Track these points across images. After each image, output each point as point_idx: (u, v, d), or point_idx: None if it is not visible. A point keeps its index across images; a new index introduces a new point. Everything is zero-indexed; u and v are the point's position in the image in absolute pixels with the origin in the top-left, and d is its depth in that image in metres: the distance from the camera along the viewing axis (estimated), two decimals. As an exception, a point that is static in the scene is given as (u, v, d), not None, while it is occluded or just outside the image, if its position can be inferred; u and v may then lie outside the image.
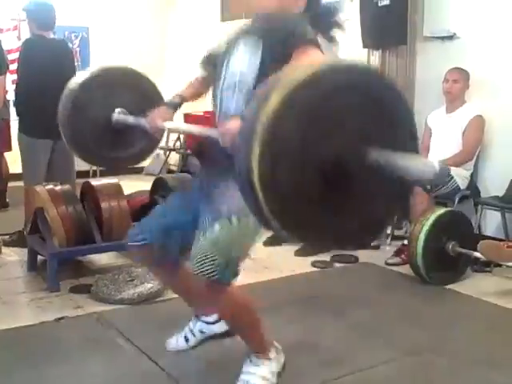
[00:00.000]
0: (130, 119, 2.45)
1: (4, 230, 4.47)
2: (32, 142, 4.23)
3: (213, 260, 2.01)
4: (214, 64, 2.28)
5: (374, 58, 5.05)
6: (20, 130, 4.34)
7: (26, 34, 7.04)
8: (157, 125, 2.28)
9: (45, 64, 4.19)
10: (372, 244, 4.48)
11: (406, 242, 4.08)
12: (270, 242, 4.56)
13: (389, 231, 4.52)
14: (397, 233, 4.58)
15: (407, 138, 1.57)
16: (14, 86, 4.35)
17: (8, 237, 4.45)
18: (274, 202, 1.45)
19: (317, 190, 1.47)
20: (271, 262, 4.15)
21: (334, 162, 1.45)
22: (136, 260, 2.43)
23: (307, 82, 1.41)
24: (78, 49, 7.27)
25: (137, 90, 2.63)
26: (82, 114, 2.56)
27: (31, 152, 4.25)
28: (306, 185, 1.46)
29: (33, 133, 4.22)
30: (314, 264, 4.15)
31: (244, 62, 2.08)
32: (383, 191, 1.56)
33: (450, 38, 4.78)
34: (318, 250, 4.37)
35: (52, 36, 4.43)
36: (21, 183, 4.47)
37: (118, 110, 2.52)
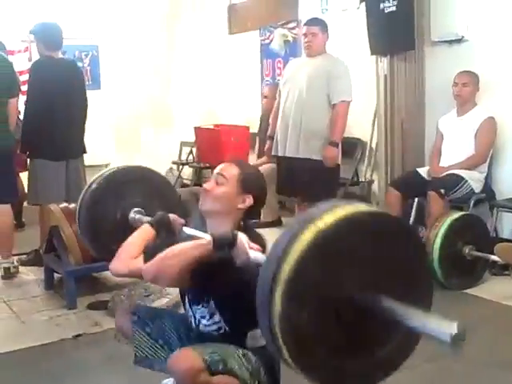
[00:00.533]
0: (145, 219, 2.46)
1: (21, 249, 4.49)
2: (46, 164, 4.26)
3: (205, 348, 1.92)
4: None
5: (383, 65, 5.05)
6: (32, 156, 4.35)
7: (36, 55, 7.15)
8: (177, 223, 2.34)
9: (53, 85, 4.22)
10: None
11: (422, 247, 4.05)
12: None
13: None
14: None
15: (424, 293, 1.59)
16: (24, 108, 4.36)
17: (25, 256, 4.49)
18: (291, 341, 1.45)
19: (333, 332, 1.48)
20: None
21: (349, 307, 1.46)
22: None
23: (336, 227, 1.43)
24: (88, 67, 7.33)
25: (151, 188, 2.69)
26: (100, 210, 2.62)
27: (46, 173, 4.27)
28: (322, 327, 1.47)
29: (45, 155, 4.25)
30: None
31: None
32: (396, 334, 1.56)
33: (458, 41, 4.77)
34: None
35: (61, 56, 4.48)
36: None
37: (135, 209, 2.57)
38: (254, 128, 6.30)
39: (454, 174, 4.21)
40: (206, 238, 1.92)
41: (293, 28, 6.45)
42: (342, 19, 5.87)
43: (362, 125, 5.46)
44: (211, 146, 6.46)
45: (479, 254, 3.73)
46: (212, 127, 6.80)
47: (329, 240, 1.42)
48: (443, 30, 4.85)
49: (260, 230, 4.82)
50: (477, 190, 4.27)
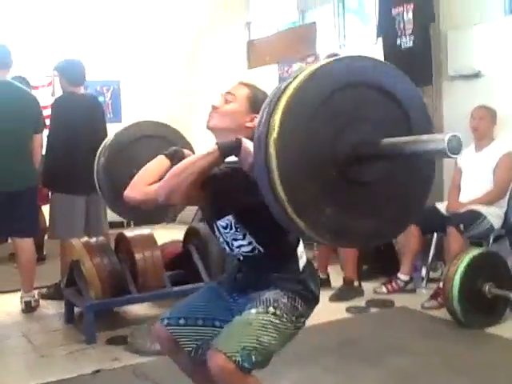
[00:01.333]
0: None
1: (42, 282, 4.54)
2: (67, 198, 4.33)
3: (239, 341, 1.91)
4: None
5: (401, 100, 5.07)
6: (53, 189, 4.44)
7: (59, 91, 7.30)
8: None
9: (75, 120, 4.31)
10: (407, 288, 4.45)
11: (441, 284, 4.01)
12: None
13: (424, 274, 4.47)
14: (432, 275, 4.51)
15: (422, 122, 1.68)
16: (46, 143, 4.46)
17: (45, 290, 4.53)
18: (295, 197, 1.54)
19: (336, 188, 1.59)
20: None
21: (350, 152, 1.58)
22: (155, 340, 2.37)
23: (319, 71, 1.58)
24: (109, 101, 7.47)
25: (166, 141, 2.70)
26: (118, 166, 2.64)
27: (67, 208, 4.33)
28: (324, 174, 1.57)
29: (67, 189, 4.32)
30: (348, 310, 4.12)
31: None
32: (406, 178, 1.67)
33: (475, 76, 4.81)
34: (353, 295, 4.35)
35: (82, 91, 4.58)
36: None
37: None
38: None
39: (473, 210, 4.19)
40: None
41: (311, 62, 6.54)
42: (360, 54, 5.93)
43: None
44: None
45: (499, 291, 3.68)
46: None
47: (310, 85, 1.55)
48: (460, 64, 4.89)
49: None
50: (496, 226, 4.24)
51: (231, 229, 2.10)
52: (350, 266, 4.45)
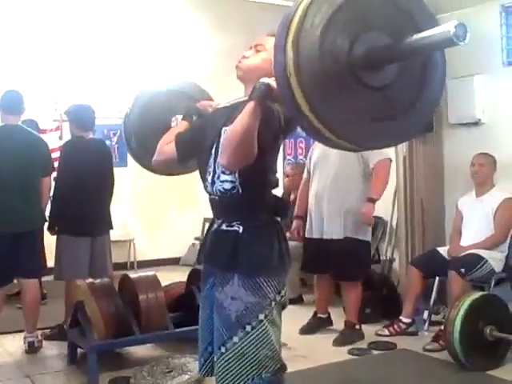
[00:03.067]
0: None
1: (44, 323, 4.54)
2: (73, 240, 4.40)
3: (245, 374, 2.01)
4: None
5: (402, 146, 5.17)
6: (59, 231, 4.48)
7: (67, 134, 7.43)
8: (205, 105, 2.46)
9: (83, 164, 4.40)
10: (409, 330, 4.46)
11: (443, 327, 4.04)
12: (305, 331, 4.57)
13: (426, 317, 4.48)
14: (434, 318, 4.53)
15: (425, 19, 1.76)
16: (53, 185, 4.55)
17: (49, 331, 4.55)
18: (310, 91, 1.65)
19: (351, 77, 1.68)
20: (307, 351, 4.13)
21: (364, 56, 1.67)
22: None
23: None
24: (116, 146, 7.59)
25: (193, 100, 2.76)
26: (148, 118, 2.71)
27: (72, 249, 4.40)
28: (339, 78, 1.66)
29: (73, 231, 4.39)
30: (350, 352, 4.12)
31: None
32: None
33: (475, 124, 4.92)
34: (355, 338, 4.35)
35: (91, 136, 4.69)
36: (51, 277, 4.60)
37: (177, 116, 2.59)
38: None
39: (474, 254, 4.23)
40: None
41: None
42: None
43: (382, 203, 5.52)
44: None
45: (501, 334, 3.70)
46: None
47: None
48: (461, 113, 5.00)
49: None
50: (498, 270, 4.27)
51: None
52: (353, 309, 4.46)
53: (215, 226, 2.23)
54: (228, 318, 2.07)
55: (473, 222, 4.51)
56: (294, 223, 4.75)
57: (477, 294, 3.81)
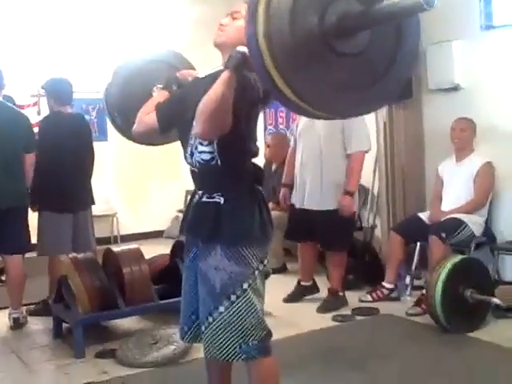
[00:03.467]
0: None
1: (28, 299, 4.53)
2: (55, 217, 4.38)
3: (232, 343, 2.08)
4: None
5: (382, 113, 5.18)
6: (41, 207, 4.45)
7: (45, 110, 7.33)
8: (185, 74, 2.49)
9: (62, 139, 4.37)
10: (392, 295, 4.52)
11: (425, 291, 4.09)
12: (289, 299, 4.60)
13: (408, 282, 4.54)
14: (416, 283, 4.59)
15: None
16: (35, 162, 4.45)
17: (33, 306, 4.55)
18: (283, 62, 1.64)
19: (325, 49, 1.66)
20: (292, 319, 4.18)
21: (336, 24, 1.66)
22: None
23: None
24: (95, 120, 7.52)
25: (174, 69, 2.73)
26: (130, 90, 2.71)
27: (55, 225, 4.38)
28: (311, 47, 1.64)
29: (55, 208, 4.37)
30: (334, 318, 4.17)
31: None
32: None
33: (455, 89, 4.92)
34: (339, 305, 4.40)
35: (69, 111, 4.61)
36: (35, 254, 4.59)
37: (157, 85, 2.57)
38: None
39: (454, 218, 4.28)
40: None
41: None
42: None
43: (363, 171, 5.55)
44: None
45: (481, 297, 3.76)
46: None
47: None
48: (440, 78, 5.00)
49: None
50: (477, 234, 4.33)
51: None
52: (337, 277, 4.49)
53: (196, 197, 2.23)
54: (213, 288, 2.10)
55: (453, 187, 4.55)
56: (282, 191, 4.77)
57: (457, 258, 3.86)
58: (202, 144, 2.14)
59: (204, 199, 2.18)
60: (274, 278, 5.18)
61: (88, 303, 3.78)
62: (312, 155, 4.39)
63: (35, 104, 7.25)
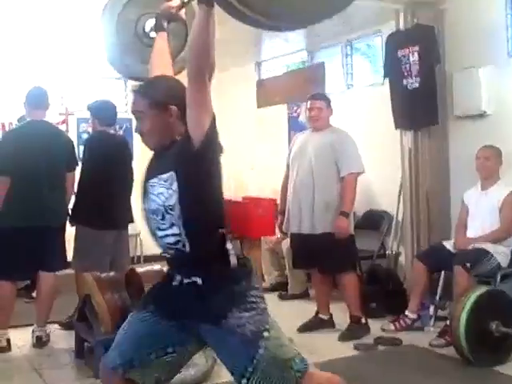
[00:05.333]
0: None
1: (55, 317, 4.55)
2: (96, 234, 4.46)
3: (284, 372, 2.03)
4: None
5: (407, 139, 5.17)
6: (83, 223, 4.53)
7: (72, 127, 7.45)
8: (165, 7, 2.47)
9: (106, 159, 4.50)
10: (415, 325, 4.46)
11: (449, 322, 4.04)
12: (303, 329, 4.53)
13: (432, 312, 4.48)
14: (440, 313, 4.52)
15: None
16: (78, 179, 4.65)
17: (66, 317, 4.61)
18: None
19: None
20: (312, 346, 4.12)
21: None
22: None
23: None
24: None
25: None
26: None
27: (96, 242, 4.46)
28: None
29: (99, 225, 4.45)
30: (356, 347, 4.13)
31: None
32: None
33: (481, 116, 4.89)
34: (362, 333, 4.35)
35: (112, 131, 4.82)
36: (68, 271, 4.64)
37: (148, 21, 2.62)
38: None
39: (479, 249, 4.22)
40: None
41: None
42: (367, 94, 6.06)
43: (388, 197, 5.54)
44: (238, 218, 6.56)
45: (507, 330, 3.70)
46: (240, 200, 6.91)
47: None
48: (466, 105, 4.97)
49: (287, 303, 4.92)
50: (503, 265, 4.26)
51: (158, 215, 2.08)
52: (353, 302, 4.47)
53: (176, 279, 2.14)
54: (244, 337, 2.01)
55: (478, 216, 4.49)
56: (279, 219, 4.82)
57: (482, 289, 3.81)
58: (165, 228, 2.08)
59: (184, 281, 2.10)
60: (295, 304, 5.23)
61: (110, 323, 3.79)
62: (305, 178, 4.46)
63: (63, 122, 7.36)
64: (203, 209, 2.05)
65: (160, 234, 2.10)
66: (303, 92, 6.79)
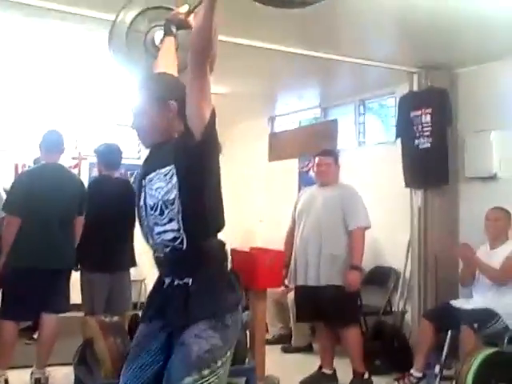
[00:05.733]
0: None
1: (53, 360, 4.51)
2: (92, 277, 4.50)
3: None
4: None
5: (417, 198, 5.19)
6: (82, 267, 4.59)
7: (84, 172, 7.54)
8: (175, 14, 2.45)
9: (108, 202, 4.53)
10: (421, 384, 4.39)
11: (455, 382, 3.96)
12: (306, 382, 4.48)
13: (437, 371, 4.41)
14: (446, 372, 4.44)
15: None
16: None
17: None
18: None
19: None
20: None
21: None
22: None
23: None
24: (133, 185, 7.65)
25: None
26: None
27: (90, 286, 4.51)
28: None
29: (92, 268, 4.50)
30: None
31: None
32: None
33: (492, 178, 4.92)
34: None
35: (116, 175, 4.85)
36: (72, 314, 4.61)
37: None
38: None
39: (487, 309, 4.18)
40: None
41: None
42: (378, 152, 6.13)
43: (395, 254, 5.53)
44: (245, 268, 6.53)
45: (514, 393, 3.63)
46: (248, 250, 6.90)
47: None
48: (477, 166, 5.02)
49: (291, 355, 4.89)
50: (511, 327, 4.22)
51: (156, 210, 2.05)
52: (356, 356, 4.42)
53: (165, 282, 2.12)
54: (188, 357, 1.93)
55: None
56: (283, 271, 4.77)
57: (490, 350, 3.76)
58: (163, 224, 2.05)
59: (174, 283, 2.07)
60: (298, 358, 5.16)
61: (111, 368, 3.74)
62: (312, 231, 4.50)
63: (76, 166, 7.46)
64: (203, 204, 2.02)
65: (158, 229, 2.06)
66: (315, 147, 6.87)
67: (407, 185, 5.27)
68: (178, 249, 2.04)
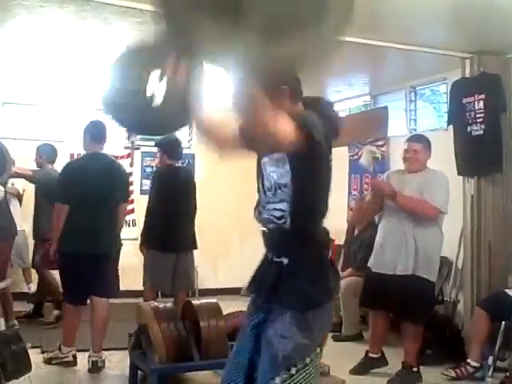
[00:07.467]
0: None
1: (108, 344, 4.64)
2: (158, 255, 4.96)
3: None
4: None
5: (470, 186, 5.10)
6: (148, 247, 5.07)
7: (137, 161, 7.68)
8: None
9: (173, 190, 5.03)
10: (476, 375, 4.32)
11: (508, 374, 3.91)
12: (356, 371, 4.47)
13: (490, 363, 4.34)
14: (499, 364, 4.38)
15: None
16: (146, 208, 5.18)
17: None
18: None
19: None
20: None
21: None
22: None
23: None
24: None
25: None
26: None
27: (158, 262, 4.96)
28: None
29: (161, 247, 4.97)
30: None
31: None
32: None
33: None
34: (413, 381, 4.24)
35: (178, 165, 5.29)
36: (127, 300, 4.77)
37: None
38: (340, 240, 6.38)
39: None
40: None
41: (381, 145, 6.65)
42: (430, 139, 6.02)
43: (448, 243, 5.43)
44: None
45: None
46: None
47: None
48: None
49: (341, 344, 4.86)
50: None
51: (271, 191, 2.17)
52: (412, 351, 4.34)
53: (267, 258, 2.22)
54: (275, 357, 2.02)
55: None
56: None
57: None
58: (274, 202, 2.15)
59: (273, 259, 2.17)
60: (348, 346, 5.17)
61: (165, 353, 3.83)
62: (397, 220, 4.34)
63: (128, 156, 7.60)
64: (311, 193, 2.10)
65: (269, 206, 2.18)
66: (365, 135, 6.84)
67: (459, 173, 5.18)
68: (281, 227, 2.13)
